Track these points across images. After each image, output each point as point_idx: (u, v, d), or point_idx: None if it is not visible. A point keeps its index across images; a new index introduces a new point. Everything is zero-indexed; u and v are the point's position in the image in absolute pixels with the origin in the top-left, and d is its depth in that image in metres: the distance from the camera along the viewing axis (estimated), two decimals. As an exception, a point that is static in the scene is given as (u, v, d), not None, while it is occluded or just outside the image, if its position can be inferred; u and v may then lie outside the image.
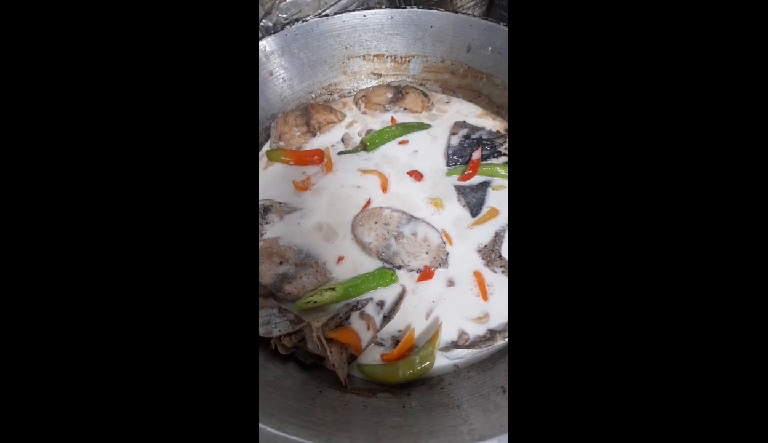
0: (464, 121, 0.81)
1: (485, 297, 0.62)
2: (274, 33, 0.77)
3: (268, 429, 0.43)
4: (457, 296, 0.62)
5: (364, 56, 0.85)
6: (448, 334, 0.59)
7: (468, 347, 0.57)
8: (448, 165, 0.75)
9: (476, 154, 0.73)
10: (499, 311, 0.60)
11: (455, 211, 0.70)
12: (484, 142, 0.76)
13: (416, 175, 0.74)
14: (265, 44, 0.77)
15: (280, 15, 0.81)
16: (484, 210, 0.70)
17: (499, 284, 0.63)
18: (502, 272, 0.64)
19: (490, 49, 0.79)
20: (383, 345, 0.58)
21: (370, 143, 0.76)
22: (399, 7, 0.81)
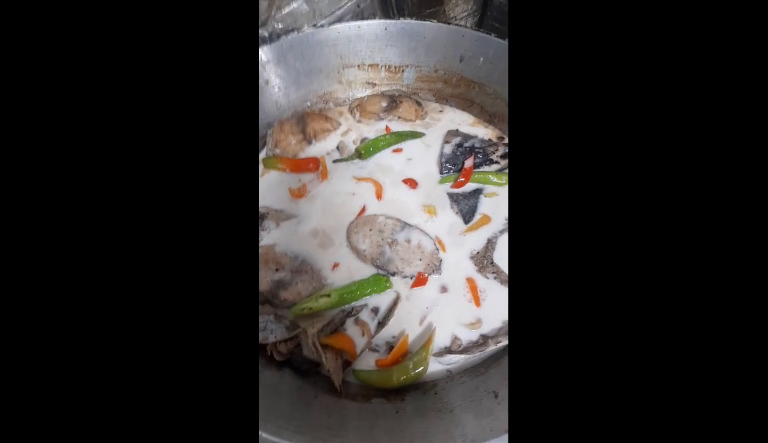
0: (457, 130, 0.82)
1: (478, 303, 0.63)
2: (270, 43, 0.78)
3: (264, 434, 0.44)
4: (450, 302, 0.63)
5: (358, 66, 0.87)
6: (441, 340, 0.60)
7: (461, 352, 0.58)
8: (441, 173, 0.76)
9: (469, 162, 0.75)
10: (491, 317, 0.62)
11: (448, 218, 0.71)
12: (477, 150, 0.78)
13: (410, 183, 0.75)
14: (261, 54, 0.78)
15: (276, 25, 0.82)
16: (477, 217, 0.71)
17: (492, 290, 0.64)
18: (495, 278, 0.65)
19: (482, 59, 0.81)
20: (378, 351, 0.59)
21: (364, 151, 0.77)
22: (393, 19, 0.83)
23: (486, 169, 0.76)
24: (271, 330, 0.57)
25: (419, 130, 0.83)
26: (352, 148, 0.80)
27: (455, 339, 0.60)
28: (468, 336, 0.60)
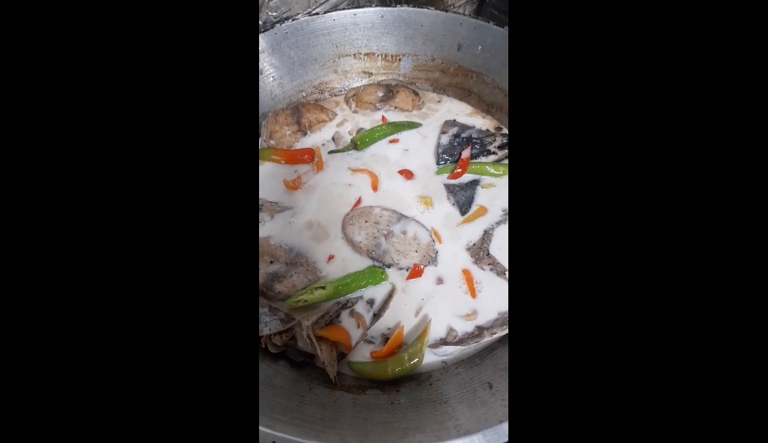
0: (454, 120, 0.81)
1: (473, 294, 0.62)
2: (263, 31, 0.77)
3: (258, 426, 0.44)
4: (446, 294, 0.63)
5: (354, 55, 0.85)
6: (436, 331, 0.59)
7: (456, 344, 0.58)
8: (438, 163, 0.76)
9: (466, 153, 0.74)
10: (487, 308, 0.61)
11: (445, 209, 0.71)
12: (474, 140, 0.77)
13: (407, 174, 0.74)
14: (255, 43, 0.77)
15: (269, 13, 0.81)
16: (473, 208, 0.70)
17: (488, 281, 0.64)
18: (491, 270, 0.64)
19: (480, 47, 0.79)
20: (373, 343, 0.59)
21: (360, 142, 0.77)
22: (389, 6, 0.81)
23: (483, 159, 0.75)
24: (265, 323, 0.57)
25: (416, 120, 0.82)
26: (348, 138, 0.79)
27: (451, 330, 0.60)
28: (463, 327, 0.60)
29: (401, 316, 0.61)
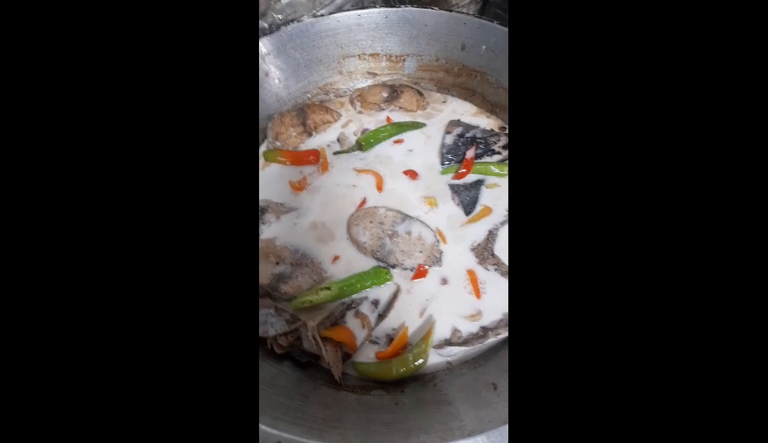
0: (459, 120, 0.81)
1: (478, 295, 0.62)
2: (269, 34, 0.78)
3: (260, 426, 0.44)
4: (450, 294, 0.63)
5: (359, 55, 0.86)
6: (441, 332, 0.59)
7: (461, 344, 0.58)
8: (442, 164, 0.76)
9: (470, 153, 0.74)
10: (491, 309, 0.61)
11: (449, 209, 0.71)
12: (478, 140, 0.77)
13: (411, 174, 0.74)
14: (261, 45, 0.78)
15: (275, 16, 0.81)
16: (478, 208, 0.70)
17: (492, 282, 0.63)
18: (495, 270, 0.64)
19: (484, 47, 0.79)
20: (378, 344, 0.59)
21: (365, 143, 0.77)
22: (393, 6, 0.81)
23: (487, 159, 0.75)
24: (271, 324, 0.57)
25: (420, 120, 0.82)
26: (353, 139, 0.79)
27: (455, 331, 0.60)
28: (468, 328, 0.60)
29: (406, 317, 0.61)
